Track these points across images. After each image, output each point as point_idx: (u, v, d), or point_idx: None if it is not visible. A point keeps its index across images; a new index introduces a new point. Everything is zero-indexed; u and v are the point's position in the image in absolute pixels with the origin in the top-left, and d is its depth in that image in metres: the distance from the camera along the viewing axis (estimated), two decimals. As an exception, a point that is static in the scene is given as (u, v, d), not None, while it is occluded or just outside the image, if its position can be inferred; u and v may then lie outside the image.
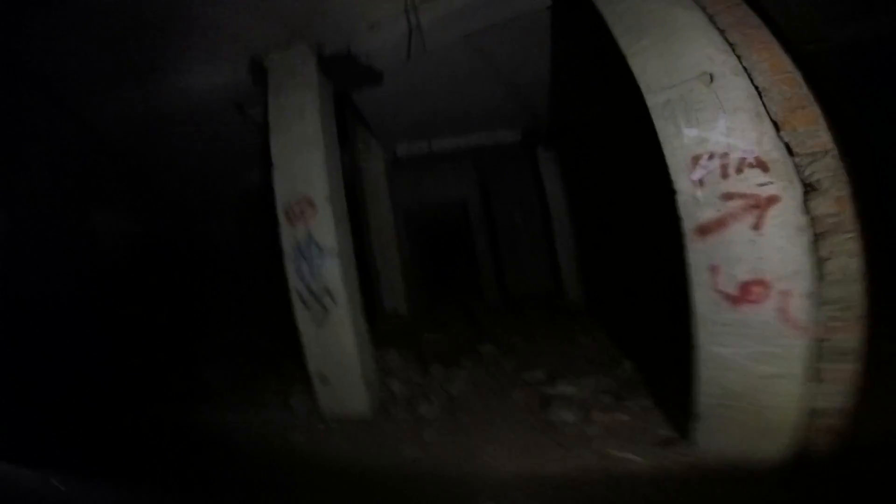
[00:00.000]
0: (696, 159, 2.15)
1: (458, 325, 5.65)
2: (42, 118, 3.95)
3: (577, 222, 6.26)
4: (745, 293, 2.10)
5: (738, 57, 2.07)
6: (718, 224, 2.12)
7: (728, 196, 2.08)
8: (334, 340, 3.44)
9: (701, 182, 2.15)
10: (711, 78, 2.12)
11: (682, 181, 2.19)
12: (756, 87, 2.02)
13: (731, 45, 2.09)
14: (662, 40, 2.26)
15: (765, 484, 2.11)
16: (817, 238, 1.97)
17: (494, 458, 2.73)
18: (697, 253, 2.19)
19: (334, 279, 3.37)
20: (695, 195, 2.16)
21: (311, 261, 3.42)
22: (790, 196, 1.98)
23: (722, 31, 2.12)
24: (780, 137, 1.98)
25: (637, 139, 2.52)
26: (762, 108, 2.01)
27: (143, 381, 4.64)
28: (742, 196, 2.05)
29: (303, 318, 3.44)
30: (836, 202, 1.91)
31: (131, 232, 4.98)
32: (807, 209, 1.97)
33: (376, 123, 5.33)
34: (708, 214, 2.15)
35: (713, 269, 2.17)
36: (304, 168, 3.45)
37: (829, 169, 1.94)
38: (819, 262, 1.97)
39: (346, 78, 3.95)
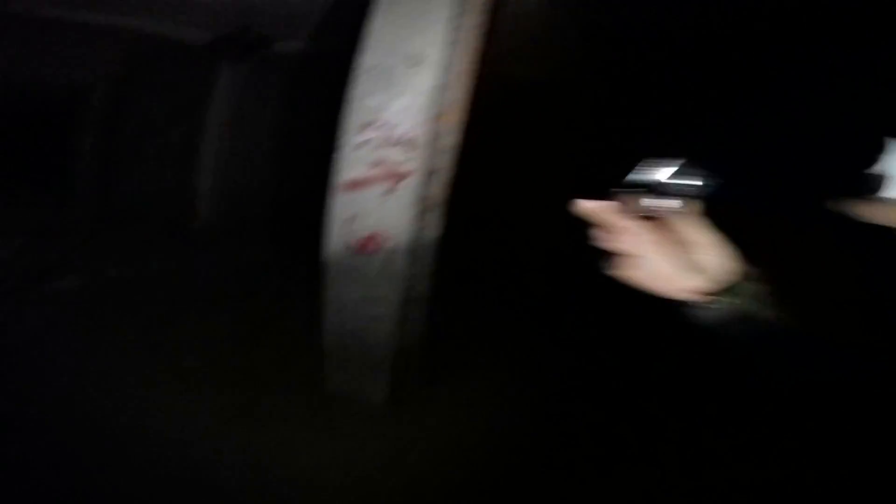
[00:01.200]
0: (367, 125, 2.39)
1: (22, 241, 4.02)
2: None
3: (236, 145, 5.65)
4: (367, 244, 2.46)
5: (451, 54, 2.36)
6: (364, 183, 2.41)
7: (378, 162, 2.40)
8: None
9: (363, 144, 2.39)
10: (418, 62, 2.37)
11: (350, 139, 2.40)
12: (445, 82, 2.37)
13: (452, 42, 2.36)
14: (411, 13, 2.38)
15: (377, 417, 2.52)
16: (424, 211, 2.52)
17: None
18: (341, 203, 2.43)
19: None
20: (354, 153, 2.40)
21: None
22: (420, 174, 2.45)
23: (455, 29, 2.36)
24: (434, 128, 2.41)
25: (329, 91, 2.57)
26: (435, 100, 2.38)
27: None
28: (388, 165, 2.40)
29: None
30: (443, 188, 2.51)
31: None
32: (425, 187, 2.49)
33: None
34: (359, 173, 2.41)
35: (349, 220, 2.45)
36: None
37: (449, 161, 2.53)
38: (420, 229, 2.53)
39: None
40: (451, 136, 2.50)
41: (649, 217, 0.57)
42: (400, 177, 2.42)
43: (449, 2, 2.40)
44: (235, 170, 5.60)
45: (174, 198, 5.54)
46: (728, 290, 0.58)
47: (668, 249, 0.57)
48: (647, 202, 0.56)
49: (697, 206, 0.56)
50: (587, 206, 0.60)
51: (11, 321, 2.97)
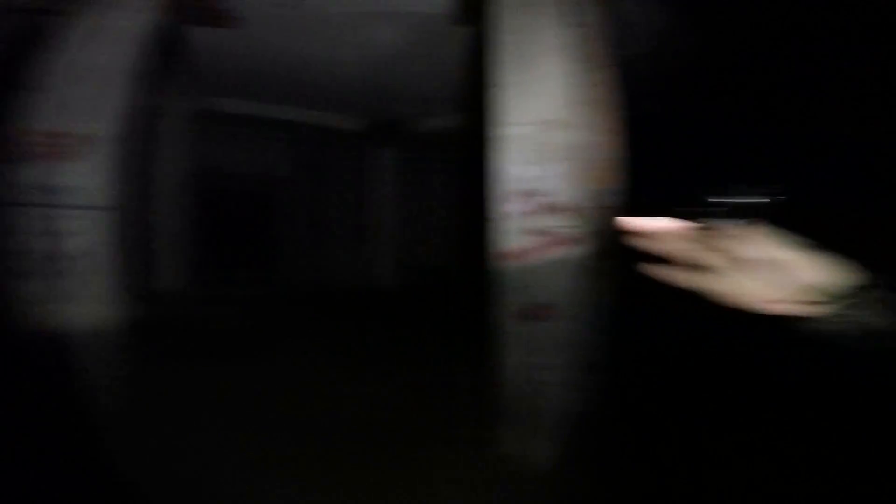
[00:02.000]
0: (518, 194, 2.43)
1: (244, 317, 5.05)
2: None
3: (400, 219, 6.39)
4: (538, 312, 2.47)
5: (588, 112, 2.38)
6: (525, 253, 2.43)
7: (537, 231, 2.41)
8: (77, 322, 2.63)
9: (517, 214, 2.43)
10: (559, 126, 2.39)
11: (500, 210, 2.46)
12: (589, 142, 2.37)
13: (586, 101, 2.39)
14: (532, 80, 2.45)
15: (549, 479, 2.46)
16: (592, 277, 2.45)
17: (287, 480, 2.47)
18: (507, 274, 2.47)
19: (94, 241, 2.61)
20: (508, 224, 2.45)
21: (63, 213, 2.57)
22: (584, 239, 2.41)
23: (584, 87, 2.40)
24: (591, 190, 2.37)
25: (473, 163, 2.74)
26: (587, 163, 2.37)
27: None
28: (549, 234, 2.40)
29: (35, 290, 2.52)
30: (610, 248, 2.43)
31: None
32: (593, 251, 2.43)
33: (200, 68, 4.40)
34: (517, 243, 2.44)
35: (517, 289, 2.48)
36: (88, 97, 2.62)
37: (609, 221, 2.45)
38: (589, 295, 2.46)
39: (192, 12, 3.15)
40: (612, 196, 2.42)
41: (722, 235, 0.60)
42: (564, 244, 2.41)
43: (569, 63, 2.40)
44: (401, 243, 6.32)
45: (353, 273, 6.44)
46: (838, 301, 0.55)
47: (750, 265, 0.58)
48: (718, 222, 0.61)
49: (768, 221, 0.59)
50: (651, 224, 0.63)
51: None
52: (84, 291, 2.60)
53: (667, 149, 4.18)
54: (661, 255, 0.64)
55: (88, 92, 2.64)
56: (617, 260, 2.45)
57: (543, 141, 2.45)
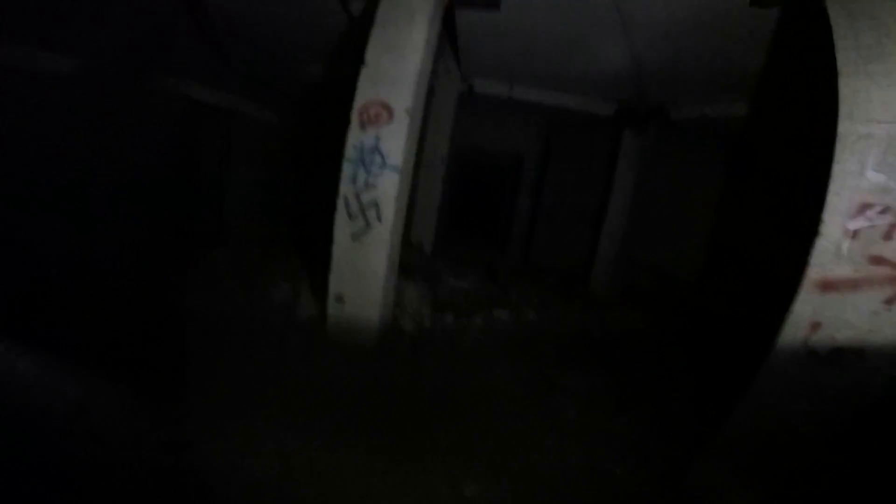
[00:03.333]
0: (864, 207, 1.90)
1: (477, 278, 5.49)
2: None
3: (637, 217, 5.96)
4: (838, 359, 1.93)
5: None
6: (848, 284, 1.90)
7: (878, 260, 1.85)
8: (366, 259, 3.27)
9: (855, 234, 1.91)
10: None
11: (833, 225, 1.95)
12: None
13: None
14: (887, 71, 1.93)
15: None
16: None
17: (488, 433, 2.64)
18: (804, 303, 2.00)
19: (388, 195, 3.15)
20: (839, 245, 1.93)
21: (370, 170, 3.18)
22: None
23: None
24: None
25: (789, 162, 2.25)
26: None
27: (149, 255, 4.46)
28: (894, 265, 1.82)
29: (341, 228, 3.22)
30: None
31: (193, 99, 4.75)
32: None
33: (465, 50, 4.85)
34: (842, 270, 1.92)
35: (813, 326, 1.98)
36: (394, 72, 3.13)
37: None
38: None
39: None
40: None
41: None
42: (912, 282, 1.79)
43: None
44: (637, 235, 5.87)
45: (578, 258, 6.34)
46: None
47: None
48: None
49: None
50: None
51: (462, 335, 4.05)
52: (383, 235, 3.18)
53: None
54: None
55: (395, 66, 3.12)
56: None
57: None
